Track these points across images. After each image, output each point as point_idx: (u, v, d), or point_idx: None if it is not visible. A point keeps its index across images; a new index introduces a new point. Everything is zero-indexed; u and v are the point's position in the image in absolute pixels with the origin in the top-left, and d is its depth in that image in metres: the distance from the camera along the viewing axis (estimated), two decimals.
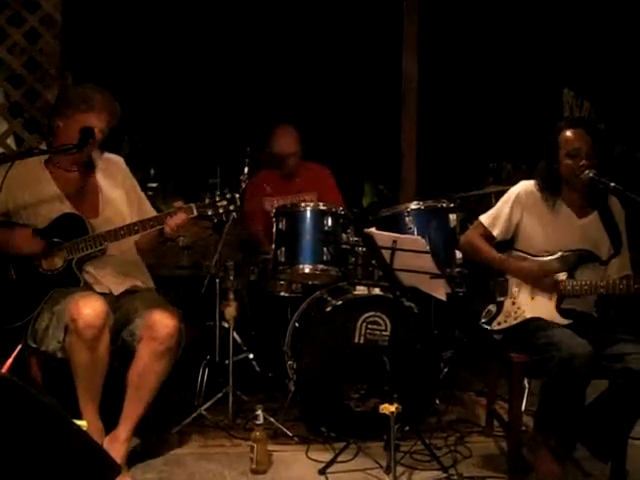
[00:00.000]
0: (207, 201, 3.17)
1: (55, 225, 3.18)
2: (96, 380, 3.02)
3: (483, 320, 3.29)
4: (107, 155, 3.45)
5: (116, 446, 3.00)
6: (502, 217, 3.34)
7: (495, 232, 3.34)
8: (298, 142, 4.56)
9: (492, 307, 3.30)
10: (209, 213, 3.17)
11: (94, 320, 2.93)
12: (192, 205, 3.16)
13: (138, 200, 3.45)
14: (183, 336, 3.13)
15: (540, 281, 3.21)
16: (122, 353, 3.13)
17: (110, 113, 3.24)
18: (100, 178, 3.36)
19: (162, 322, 3.03)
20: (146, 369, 3.04)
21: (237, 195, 3.18)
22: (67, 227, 3.18)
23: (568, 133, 3.25)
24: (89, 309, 2.93)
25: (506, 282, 3.30)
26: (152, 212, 3.39)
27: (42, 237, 3.16)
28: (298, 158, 4.56)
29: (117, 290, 3.25)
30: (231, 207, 3.17)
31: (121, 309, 3.18)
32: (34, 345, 3.09)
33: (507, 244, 3.37)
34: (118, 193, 3.37)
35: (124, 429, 3.06)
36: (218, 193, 3.17)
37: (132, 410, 3.07)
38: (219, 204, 3.16)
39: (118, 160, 3.49)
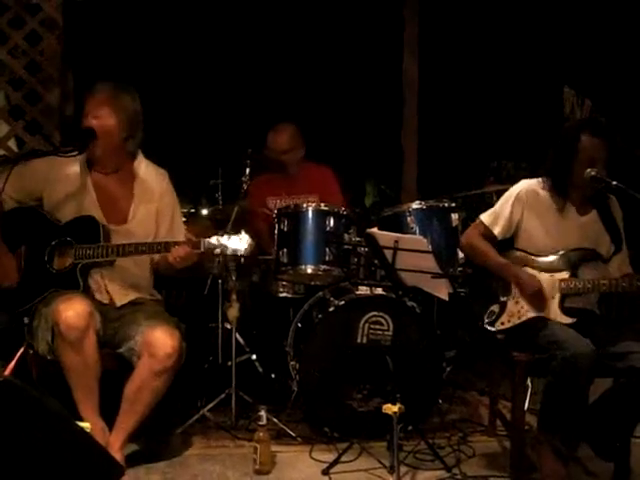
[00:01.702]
0: (217, 239, 3.08)
1: (72, 224, 3.20)
2: (89, 381, 3.01)
3: (486, 320, 3.29)
4: (152, 167, 3.43)
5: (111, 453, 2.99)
6: (503, 216, 3.32)
7: (496, 231, 3.33)
8: (294, 139, 4.46)
9: (495, 307, 3.29)
10: (217, 252, 3.10)
11: (76, 322, 2.92)
12: (201, 240, 3.09)
13: (170, 221, 3.38)
14: (183, 354, 3.11)
15: (530, 296, 3.20)
16: (122, 357, 3.13)
17: (93, 109, 3.22)
18: (137, 188, 3.34)
19: (162, 341, 3.01)
20: (143, 386, 3.03)
21: (249, 239, 3.07)
22: (83, 229, 3.18)
23: (589, 141, 3.17)
24: (71, 311, 2.93)
25: (508, 282, 3.29)
26: (181, 238, 3.29)
27: (58, 234, 3.19)
28: (297, 156, 4.48)
29: (120, 301, 3.24)
30: (239, 251, 3.07)
31: (121, 320, 3.17)
32: (32, 342, 3.10)
33: (508, 243, 3.36)
34: (149, 208, 3.33)
35: (117, 439, 3.06)
36: (231, 233, 3.09)
37: (126, 422, 3.06)
38: (229, 245, 3.07)
39: (161, 174, 3.45)
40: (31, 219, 3.24)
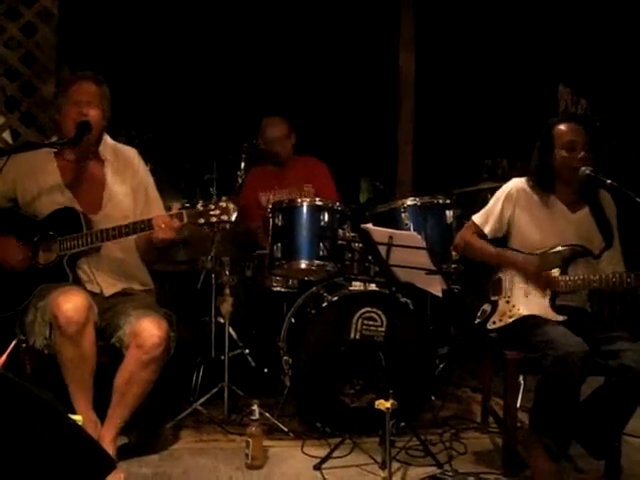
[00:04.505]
0: (200, 208, 3.03)
1: (52, 218, 3.17)
2: (85, 375, 3.00)
3: (478, 320, 3.30)
4: (120, 148, 3.41)
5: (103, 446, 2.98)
6: (494, 214, 3.35)
7: (486, 229, 3.35)
8: (285, 128, 4.51)
9: (486, 307, 3.30)
10: (201, 222, 3.04)
11: (75, 315, 2.90)
12: (183, 211, 3.05)
13: (146, 199, 3.37)
14: (172, 344, 3.11)
15: (535, 276, 3.21)
16: (113, 349, 3.12)
17: (86, 96, 3.21)
18: (108, 172, 3.31)
19: (148, 332, 2.99)
20: (132, 377, 3.02)
21: (232, 206, 3.02)
22: (63, 222, 3.16)
23: (563, 127, 3.25)
24: (70, 304, 2.91)
25: (499, 281, 3.30)
26: (160, 211, 3.26)
27: (39, 230, 3.17)
28: (289, 147, 4.51)
29: (108, 291, 3.22)
30: (224, 217, 3.02)
31: (112, 310, 3.17)
32: (23, 337, 3.09)
33: (502, 244, 3.37)
34: (124, 189, 3.31)
35: (109, 431, 3.04)
36: (213, 200, 3.04)
37: (117, 414, 3.05)
38: (212, 213, 3.01)
39: (131, 153, 3.43)
40: (8, 220, 3.22)
